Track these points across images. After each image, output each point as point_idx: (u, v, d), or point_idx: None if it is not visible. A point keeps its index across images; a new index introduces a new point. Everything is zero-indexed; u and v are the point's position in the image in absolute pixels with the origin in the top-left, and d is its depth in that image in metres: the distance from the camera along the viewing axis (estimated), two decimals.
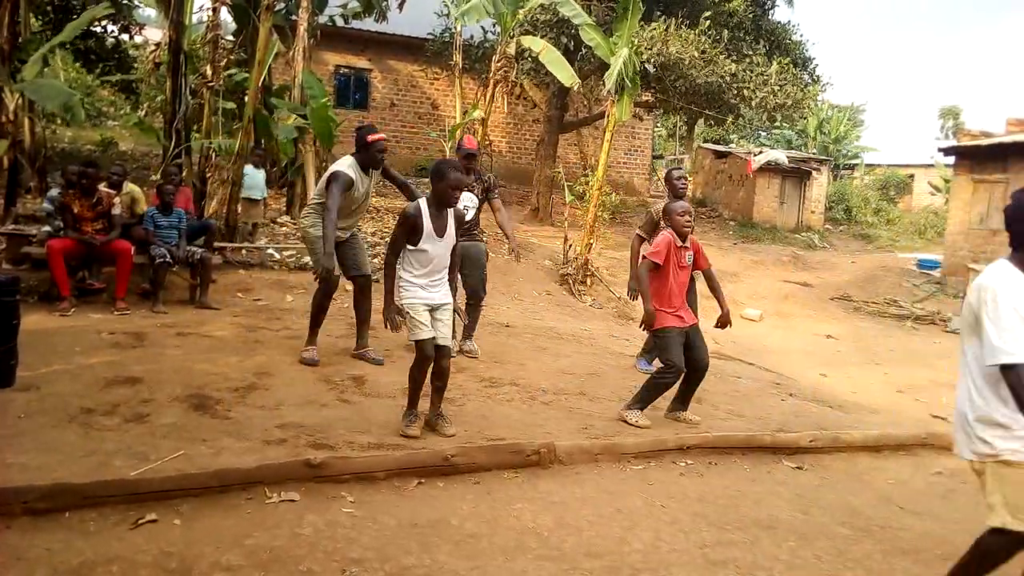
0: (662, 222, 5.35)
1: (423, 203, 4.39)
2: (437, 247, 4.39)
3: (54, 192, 7.98)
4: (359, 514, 3.43)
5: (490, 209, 6.63)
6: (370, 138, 5.61)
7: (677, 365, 5.16)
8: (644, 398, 5.23)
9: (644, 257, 5.38)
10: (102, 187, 7.40)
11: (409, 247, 4.38)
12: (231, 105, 11.13)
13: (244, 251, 9.62)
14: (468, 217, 6.32)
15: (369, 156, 5.60)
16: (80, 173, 7.19)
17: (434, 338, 4.38)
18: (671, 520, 3.77)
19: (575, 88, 13.41)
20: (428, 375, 4.48)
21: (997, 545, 2.81)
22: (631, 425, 5.08)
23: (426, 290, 4.40)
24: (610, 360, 7.24)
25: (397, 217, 4.72)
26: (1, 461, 3.54)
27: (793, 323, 13.68)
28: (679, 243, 5.25)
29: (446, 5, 12.51)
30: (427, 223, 4.33)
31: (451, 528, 3.41)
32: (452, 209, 4.46)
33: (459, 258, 4.83)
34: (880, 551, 3.69)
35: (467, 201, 6.30)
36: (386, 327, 4.41)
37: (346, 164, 5.61)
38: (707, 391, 6.37)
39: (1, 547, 2.90)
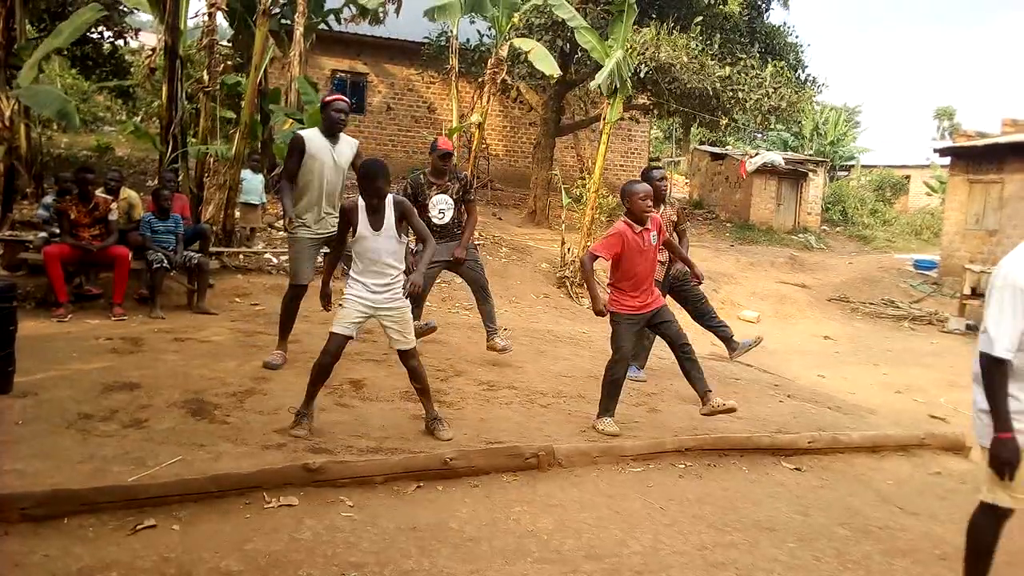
0: (626, 204, 5.07)
1: (360, 200, 4.41)
2: (373, 241, 4.36)
3: (49, 199, 7.97)
4: (358, 518, 3.43)
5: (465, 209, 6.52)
6: (328, 98, 5.59)
7: (621, 352, 5.01)
8: (604, 400, 5.04)
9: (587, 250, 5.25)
10: (99, 193, 7.39)
11: (351, 240, 4.42)
12: (230, 114, 11.13)
13: (241, 256, 9.62)
14: (445, 220, 6.31)
15: (325, 117, 5.54)
16: (77, 179, 7.17)
17: (348, 337, 4.37)
18: (670, 522, 3.77)
19: (554, 79, 13.39)
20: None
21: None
22: (599, 432, 4.89)
23: (368, 289, 4.37)
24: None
25: None
26: None
27: (791, 324, 13.70)
28: (637, 229, 5.02)
29: (425, 12, 12.51)
30: (362, 217, 4.36)
31: (450, 531, 3.41)
32: (393, 203, 4.42)
33: (429, 244, 4.59)
34: (879, 552, 3.69)
35: (442, 204, 6.30)
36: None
37: (306, 130, 5.68)
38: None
39: None
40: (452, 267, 6.54)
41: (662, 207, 6.29)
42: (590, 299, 5.13)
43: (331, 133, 5.58)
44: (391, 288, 4.41)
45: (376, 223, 4.35)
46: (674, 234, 6.39)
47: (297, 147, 5.58)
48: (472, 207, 6.56)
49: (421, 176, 6.46)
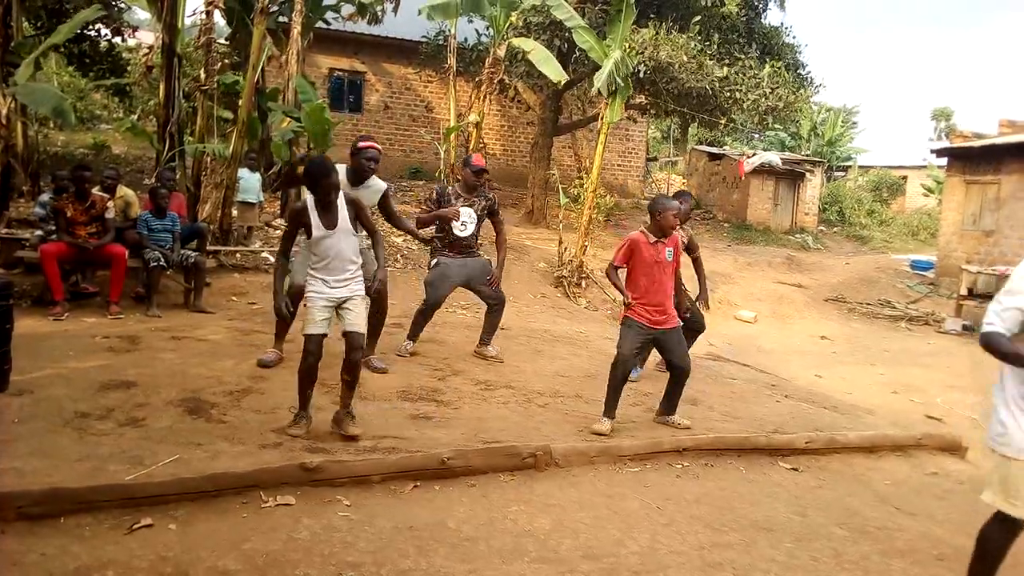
0: (655, 217, 5.16)
1: (309, 199, 4.41)
2: (331, 239, 4.38)
3: (46, 196, 7.94)
4: (355, 518, 3.43)
5: (492, 227, 6.72)
6: (360, 144, 5.56)
7: (620, 354, 5.09)
8: (606, 400, 5.08)
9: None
10: (95, 191, 7.37)
11: (307, 240, 4.45)
12: (229, 115, 11.12)
13: (239, 255, 9.60)
14: (467, 232, 6.44)
15: (356, 163, 5.53)
16: (74, 177, 7.15)
17: (323, 335, 4.38)
18: (668, 522, 3.77)
19: (560, 84, 13.41)
20: (340, 370, 4.48)
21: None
22: (593, 433, 4.89)
23: (328, 285, 4.39)
24: (605, 362, 7.19)
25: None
26: None
27: (788, 324, 13.72)
28: (651, 239, 5.12)
29: (420, 10, 12.52)
30: (314, 217, 4.36)
31: (448, 531, 3.41)
32: (347, 200, 4.44)
33: (378, 239, 4.83)
34: (877, 552, 3.69)
35: (465, 217, 6.41)
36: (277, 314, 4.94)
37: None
38: (703, 392, 6.39)
39: None
40: (468, 286, 6.64)
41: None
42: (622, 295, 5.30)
43: (358, 180, 5.54)
44: (351, 282, 4.46)
45: (329, 222, 4.38)
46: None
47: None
48: (501, 226, 6.73)
49: (449, 187, 6.60)
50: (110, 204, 7.33)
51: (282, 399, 4.87)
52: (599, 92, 11.38)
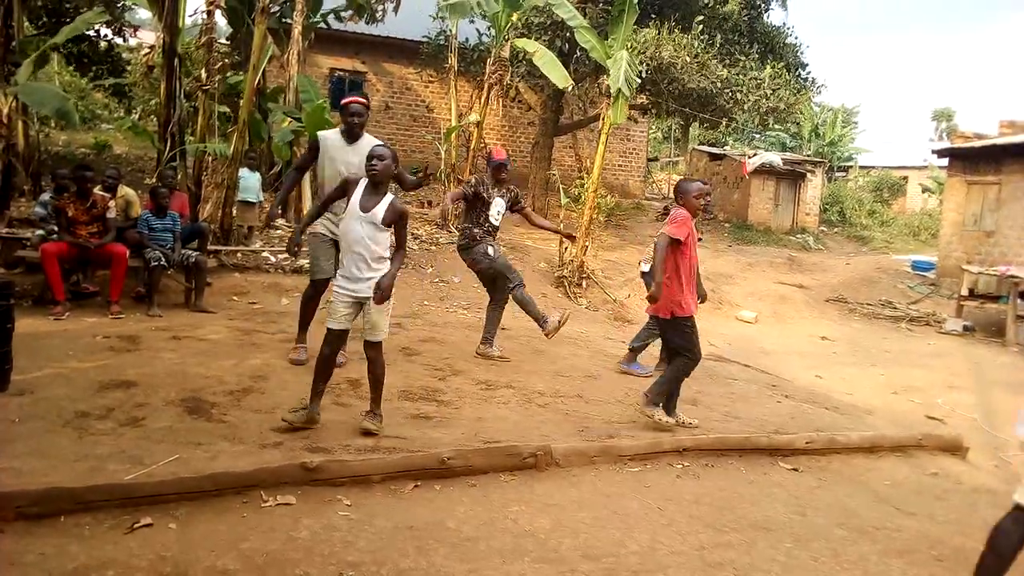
0: (676, 202, 5.24)
1: (363, 180, 4.34)
2: (353, 222, 4.28)
3: (47, 196, 7.95)
4: (355, 517, 3.42)
5: (524, 218, 7.17)
6: (343, 100, 5.58)
7: (698, 353, 5.16)
8: (664, 390, 5.14)
9: (662, 233, 5.06)
10: (96, 190, 7.38)
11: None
12: (227, 110, 11.12)
13: (239, 254, 9.61)
14: (498, 222, 6.76)
15: (342, 119, 5.55)
16: (76, 176, 7.16)
17: (343, 331, 4.36)
18: (668, 522, 3.76)
19: (568, 89, 13.43)
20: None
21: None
22: (658, 422, 5.01)
23: (349, 279, 4.32)
24: (606, 362, 7.24)
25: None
26: None
27: (788, 325, 13.71)
28: (691, 220, 5.23)
29: (439, 8, 12.54)
30: (357, 195, 4.29)
31: (448, 531, 3.40)
32: (391, 203, 4.30)
33: (402, 253, 4.51)
34: (876, 552, 3.69)
35: (500, 207, 6.71)
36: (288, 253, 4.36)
37: (328, 131, 5.78)
38: (703, 393, 6.38)
39: None
40: (482, 278, 6.86)
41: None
42: (656, 286, 4.95)
43: (351, 135, 5.54)
44: (369, 278, 4.30)
45: (366, 206, 4.28)
46: None
47: (313, 145, 5.64)
48: (526, 208, 7.14)
49: (484, 178, 6.76)
50: (111, 204, 7.34)
51: (282, 399, 4.87)
52: (621, 92, 11.29)
